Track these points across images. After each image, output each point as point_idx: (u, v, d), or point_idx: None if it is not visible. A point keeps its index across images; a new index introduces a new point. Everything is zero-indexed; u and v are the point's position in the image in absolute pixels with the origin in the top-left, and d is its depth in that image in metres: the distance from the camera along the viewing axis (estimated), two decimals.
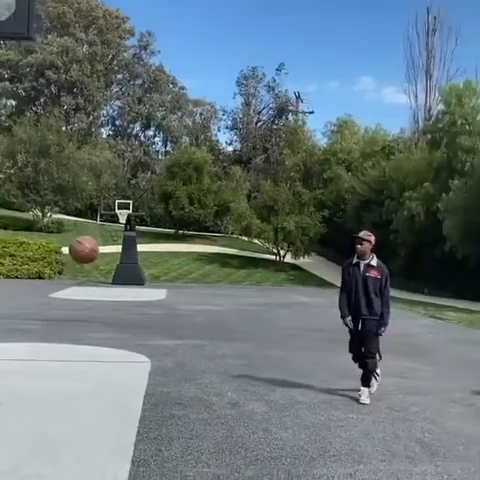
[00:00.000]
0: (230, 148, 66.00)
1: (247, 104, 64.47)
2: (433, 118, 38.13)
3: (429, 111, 45.52)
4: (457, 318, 19.94)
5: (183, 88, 62.76)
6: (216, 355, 10.36)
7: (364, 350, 7.49)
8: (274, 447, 5.48)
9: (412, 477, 4.79)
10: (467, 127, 31.15)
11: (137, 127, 63.58)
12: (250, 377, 8.50)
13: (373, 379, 7.62)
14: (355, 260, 7.56)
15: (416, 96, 48.58)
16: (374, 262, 7.48)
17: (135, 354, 10.08)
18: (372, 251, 7.54)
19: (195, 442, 5.56)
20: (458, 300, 27.29)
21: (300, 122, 56.20)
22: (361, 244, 7.46)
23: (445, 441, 5.80)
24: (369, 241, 7.47)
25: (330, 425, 6.23)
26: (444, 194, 30.04)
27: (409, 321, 18.40)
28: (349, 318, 7.49)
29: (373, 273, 7.40)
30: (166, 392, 7.46)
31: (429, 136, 36.38)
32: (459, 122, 31.29)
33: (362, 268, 7.45)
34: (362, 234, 7.59)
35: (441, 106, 35.06)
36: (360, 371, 7.54)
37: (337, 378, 8.62)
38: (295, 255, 40.00)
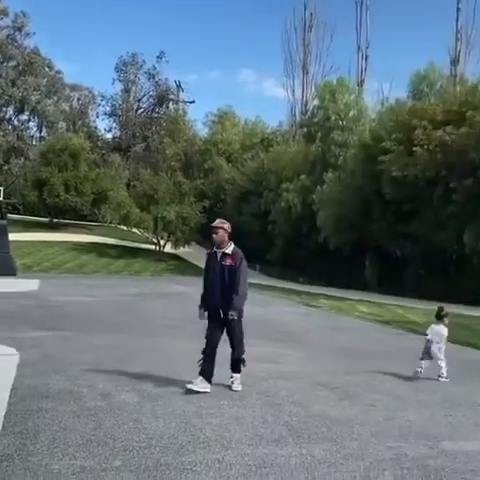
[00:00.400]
0: (109, 135, 64.56)
1: (127, 91, 63.27)
2: (309, 113, 39.40)
3: (306, 105, 46.98)
4: (329, 305, 20.80)
5: (59, 72, 60.36)
6: (88, 346, 10.11)
7: (229, 338, 7.43)
8: (144, 437, 5.43)
9: (277, 459, 4.92)
10: (340, 122, 32.48)
11: (10, 111, 60.51)
12: (123, 368, 8.36)
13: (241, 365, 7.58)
14: (214, 250, 7.45)
15: (293, 90, 50.07)
16: (229, 250, 7.30)
17: (3, 346, 9.62)
18: (230, 239, 7.40)
19: (62, 435, 5.39)
20: (331, 288, 28.51)
21: (181, 111, 56.10)
22: (216, 233, 7.31)
23: (311, 423, 6.01)
24: (223, 228, 7.32)
25: (202, 413, 6.26)
26: (319, 186, 31.19)
27: (284, 308, 18.96)
28: (202, 310, 7.43)
29: (228, 261, 7.25)
30: (34, 385, 7.18)
31: (305, 130, 37.56)
32: (333, 117, 32.55)
33: (219, 257, 7.32)
34: (216, 223, 7.45)
35: (317, 101, 36.27)
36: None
37: None
38: (175, 245, 39.97)
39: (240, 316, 7.30)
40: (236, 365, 7.49)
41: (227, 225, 7.38)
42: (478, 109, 24.28)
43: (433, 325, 8.88)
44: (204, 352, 7.26)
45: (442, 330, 8.75)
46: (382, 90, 68.55)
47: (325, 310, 19.59)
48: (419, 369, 8.55)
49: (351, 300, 23.04)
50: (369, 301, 22.71)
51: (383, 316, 18.09)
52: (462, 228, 23.21)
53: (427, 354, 8.67)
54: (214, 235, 7.35)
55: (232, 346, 7.42)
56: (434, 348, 8.60)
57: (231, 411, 6.36)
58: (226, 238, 7.34)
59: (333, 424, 6.01)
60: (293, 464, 4.82)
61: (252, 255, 43.14)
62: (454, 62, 41.70)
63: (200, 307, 7.48)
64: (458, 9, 43.18)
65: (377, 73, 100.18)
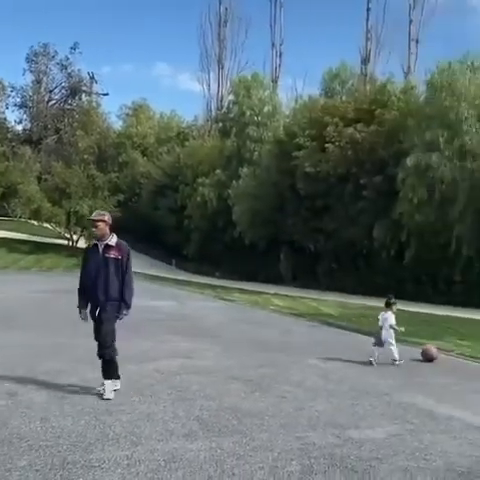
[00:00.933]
0: (19, 127, 62.25)
1: (38, 82, 61.07)
2: (225, 108, 39.56)
3: (221, 100, 47.14)
4: (244, 299, 20.99)
5: None
6: None
7: (99, 338, 6.92)
8: (51, 435, 5.30)
9: (187, 454, 4.92)
10: (255, 118, 32.78)
11: None
12: (31, 366, 8.13)
13: (113, 380, 6.88)
14: (94, 242, 7.01)
15: (209, 85, 50.08)
16: (113, 242, 6.86)
17: None
18: (112, 231, 6.97)
19: None
20: (247, 283, 28.77)
21: (94, 103, 54.78)
22: (96, 227, 6.85)
23: (221, 417, 6.05)
24: (103, 220, 6.86)
25: (112, 410, 6.18)
26: (234, 181, 31.37)
27: (199, 303, 18.98)
28: (83, 310, 6.97)
29: (113, 253, 6.80)
30: None
31: (221, 125, 37.70)
32: (248, 113, 32.81)
33: (101, 250, 6.83)
34: (94, 215, 7.00)
35: (232, 96, 36.44)
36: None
37: (123, 363, 8.57)
38: (88, 240, 39.12)
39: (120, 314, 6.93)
40: (107, 369, 6.87)
41: (107, 217, 6.95)
42: (387, 108, 25.14)
43: (382, 312, 9.75)
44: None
45: (390, 317, 9.59)
46: (296, 87, 70.17)
47: (240, 304, 19.75)
48: (373, 358, 9.22)
49: (266, 294, 23.35)
50: (284, 295, 23.09)
51: (298, 309, 18.44)
52: (372, 224, 23.99)
53: (379, 341, 9.47)
54: (94, 229, 6.90)
55: (101, 348, 6.91)
56: (385, 334, 9.44)
57: (142, 407, 6.31)
58: (107, 230, 6.88)
59: (244, 416, 6.07)
60: (202, 458, 4.84)
61: (168, 250, 42.83)
62: (365, 61, 42.96)
63: (80, 307, 6.97)
64: (368, 9, 44.49)
65: (291, 70, 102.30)
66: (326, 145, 25.35)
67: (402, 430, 5.89)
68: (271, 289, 25.38)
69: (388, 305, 9.80)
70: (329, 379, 8.12)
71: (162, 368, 8.33)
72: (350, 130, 25.01)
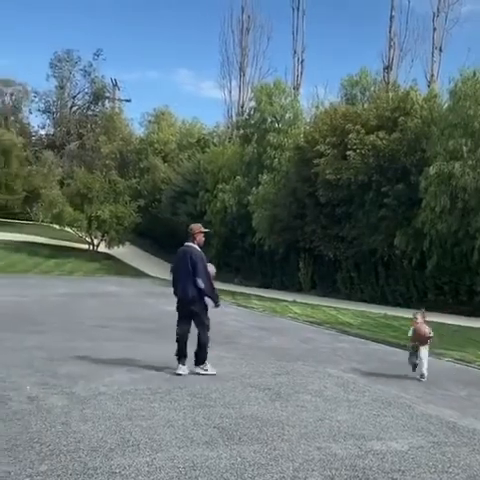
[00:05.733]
0: (43, 132, 63.09)
1: (61, 87, 61.95)
2: (246, 114, 39.53)
3: (242, 107, 47.20)
4: (262, 306, 20.92)
5: None
6: (16, 348, 9.83)
7: None
8: (72, 440, 5.31)
9: (207, 462, 4.90)
10: (276, 125, 32.75)
11: None
12: (52, 370, 8.18)
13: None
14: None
15: (230, 91, 50.23)
16: None
17: None
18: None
19: None
20: (265, 289, 28.70)
21: (117, 109, 55.37)
22: (204, 237, 9.09)
23: (241, 425, 6.02)
24: None
25: (132, 415, 6.18)
26: (254, 188, 31.34)
27: (216, 309, 18.92)
28: None
29: None
30: None
31: (242, 131, 37.67)
32: (269, 119, 32.80)
33: None
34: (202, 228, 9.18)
35: (253, 103, 36.44)
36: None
37: (142, 368, 8.60)
38: (109, 244, 39.40)
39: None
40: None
41: None
42: (410, 115, 24.97)
43: (412, 327, 9.25)
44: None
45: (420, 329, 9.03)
46: (317, 94, 69.80)
47: (258, 311, 19.69)
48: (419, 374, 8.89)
49: (285, 301, 23.27)
50: (303, 302, 22.98)
51: (317, 317, 18.34)
52: (393, 232, 23.81)
53: (413, 355, 9.07)
54: (204, 238, 9.05)
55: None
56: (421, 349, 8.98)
57: (162, 413, 6.30)
58: None
59: (264, 425, 6.03)
60: (223, 466, 4.82)
61: None
62: (387, 68, 42.75)
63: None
64: (391, 16, 44.31)
65: (313, 77, 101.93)
66: (347, 152, 25.23)
67: (425, 442, 5.82)
68: (290, 296, 25.29)
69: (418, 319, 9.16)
70: (349, 389, 8.04)
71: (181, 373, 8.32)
72: (372, 137, 24.88)
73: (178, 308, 8.69)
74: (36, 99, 62.12)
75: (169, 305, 17.98)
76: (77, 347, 10.25)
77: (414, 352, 9.11)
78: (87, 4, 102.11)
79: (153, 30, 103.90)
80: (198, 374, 8.31)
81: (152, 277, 32.93)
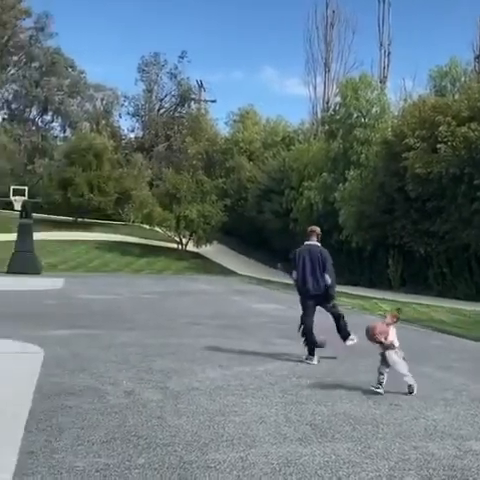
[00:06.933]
0: (132, 135, 64.93)
1: (149, 91, 63.48)
2: (331, 110, 39.11)
3: (327, 103, 46.69)
4: (351, 304, 20.62)
5: (82, 72, 60.88)
6: (112, 344, 10.18)
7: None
8: (167, 434, 5.44)
9: (301, 458, 4.89)
10: (362, 119, 32.19)
11: (34, 111, 61.19)
12: (147, 365, 8.41)
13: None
14: None
15: (315, 88, 49.75)
16: None
17: (27, 344, 9.73)
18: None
19: (86, 432, 5.43)
20: (353, 287, 28.27)
21: (203, 110, 56.20)
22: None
23: (334, 422, 5.97)
24: None
25: (225, 411, 6.26)
26: (341, 184, 30.96)
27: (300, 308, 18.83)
28: None
29: None
30: (59, 382, 7.26)
31: (327, 127, 37.29)
32: (355, 114, 32.27)
33: None
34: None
35: (338, 98, 35.99)
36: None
37: (234, 364, 8.70)
38: (197, 243, 40.04)
39: None
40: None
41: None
42: None
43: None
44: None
45: None
46: (405, 86, 67.71)
47: (347, 308, 19.42)
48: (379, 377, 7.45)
49: (373, 299, 22.85)
50: (393, 300, 22.48)
51: (407, 315, 17.88)
52: None
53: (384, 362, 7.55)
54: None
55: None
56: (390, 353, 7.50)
57: (254, 409, 6.34)
58: None
59: (357, 423, 5.96)
60: (317, 463, 4.79)
61: (274, 253, 43.03)
62: (478, 58, 41.07)
63: None
64: None
65: (400, 69, 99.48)
66: (438, 145, 24.47)
67: None
68: (378, 294, 24.79)
69: None
70: (445, 388, 7.79)
71: (272, 371, 8.36)
72: (463, 129, 24.01)
73: (306, 302, 9.46)
74: (126, 103, 63.99)
75: (256, 303, 18.12)
76: (170, 343, 10.51)
77: (383, 359, 7.50)
78: (171, 8, 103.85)
79: (236, 30, 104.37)
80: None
81: (240, 275, 33.21)
